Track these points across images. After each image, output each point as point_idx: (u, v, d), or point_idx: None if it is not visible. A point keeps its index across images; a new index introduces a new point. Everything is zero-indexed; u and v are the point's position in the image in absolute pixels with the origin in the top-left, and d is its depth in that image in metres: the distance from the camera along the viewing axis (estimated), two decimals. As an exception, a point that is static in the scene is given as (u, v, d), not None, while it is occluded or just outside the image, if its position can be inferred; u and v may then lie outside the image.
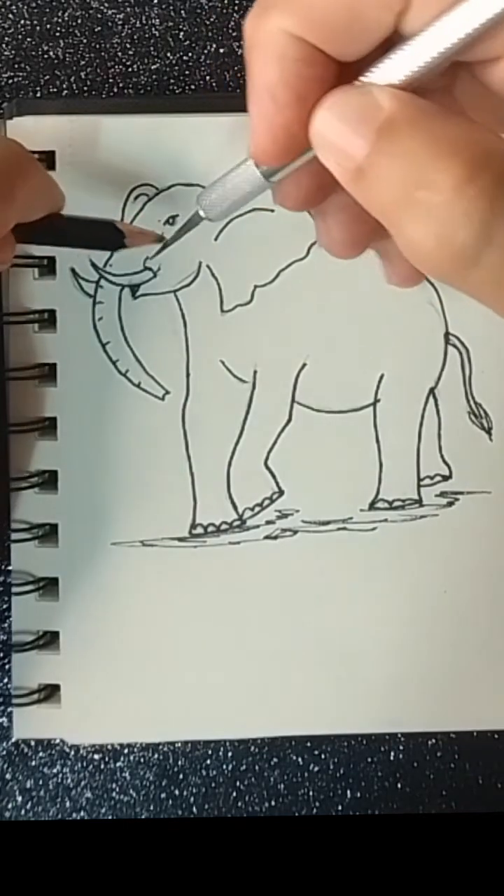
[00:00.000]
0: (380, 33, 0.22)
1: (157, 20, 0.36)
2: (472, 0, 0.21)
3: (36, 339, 0.34)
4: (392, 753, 0.38)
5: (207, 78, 0.36)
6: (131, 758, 0.37)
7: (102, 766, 0.37)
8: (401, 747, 0.38)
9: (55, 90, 0.35)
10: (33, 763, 0.37)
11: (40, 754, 0.37)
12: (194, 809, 0.38)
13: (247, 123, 0.34)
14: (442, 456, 0.36)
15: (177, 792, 0.38)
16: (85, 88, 0.36)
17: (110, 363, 0.34)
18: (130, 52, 0.36)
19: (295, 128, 0.23)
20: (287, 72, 0.23)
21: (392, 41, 0.22)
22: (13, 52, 0.35)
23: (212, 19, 0.36)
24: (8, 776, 0.37)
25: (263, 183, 0.25)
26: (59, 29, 0.35)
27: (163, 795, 0.38)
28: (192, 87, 0.36)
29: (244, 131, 0.34)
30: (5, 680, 0.36)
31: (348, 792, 0.38)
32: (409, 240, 0.22)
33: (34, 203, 0.29)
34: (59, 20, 0.35)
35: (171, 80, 0.36)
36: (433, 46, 0.22)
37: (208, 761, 0.38)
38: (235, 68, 0.36)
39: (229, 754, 0.38)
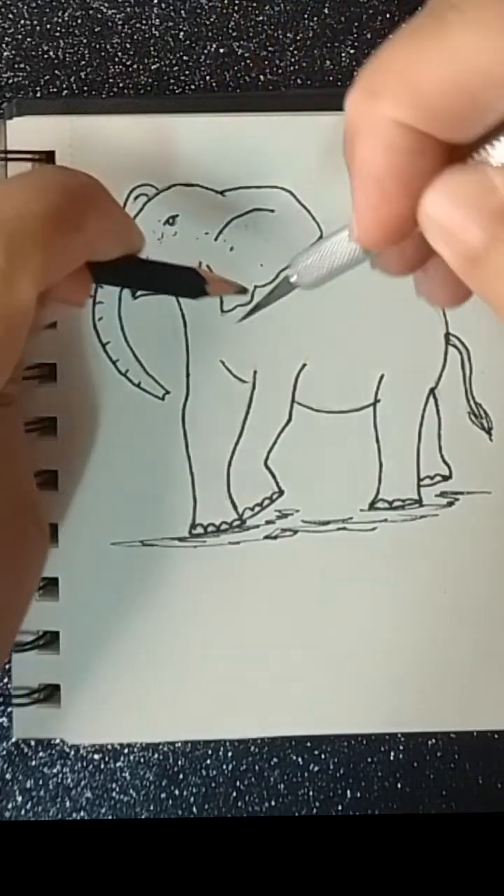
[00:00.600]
0: (498, 115, 0.21)
1: (157, 20, 0.36)
2: None
3: (36, 338, 0.34)
4: (392, 753, 0.38)
5: (207, 78, 0.36)
6: (131, 758, 0.37)
7: (102, 766, 0.37)
8: (401, 747, 0.38)
9: (55, 90, 0.35)
10: (33, 763, 0.37)
11: (40, 754, 0.37)
12: (194, 809, 0.38)
13: (247, 124, 0.34)
14: (442, 456, 0.36)
15: (177, 792, 0.38)
16: (85, 88, 0.36)
17: (110, 363, 0.34)
18: (130, 52, 0.36)
19: (403, 215, 0.22)
20: (396, 162, 0.22)
21: None
22: (13, 52, 0.35)
23: (212, 19, 0.36)
24: (8, 776, 0.37)
25: (363, 255, 0.24)
26: (59, 29, 0.35)
27: (163, 795, 0.38)
28: (192, 87, 0.36)
29: (244, 131, 0.34)
30: (5, 680, 0.36)
31: (348, 792, 0.38)
32: None
33: (107, 240, 0.28)
34: (59, 20, 0.35)
35: (171, 80, 0.36)
36: None
37: (208, 761, 0.38)
38: (235, 68, 0.36)
39: (229, 754, 0.38)
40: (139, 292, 0.34)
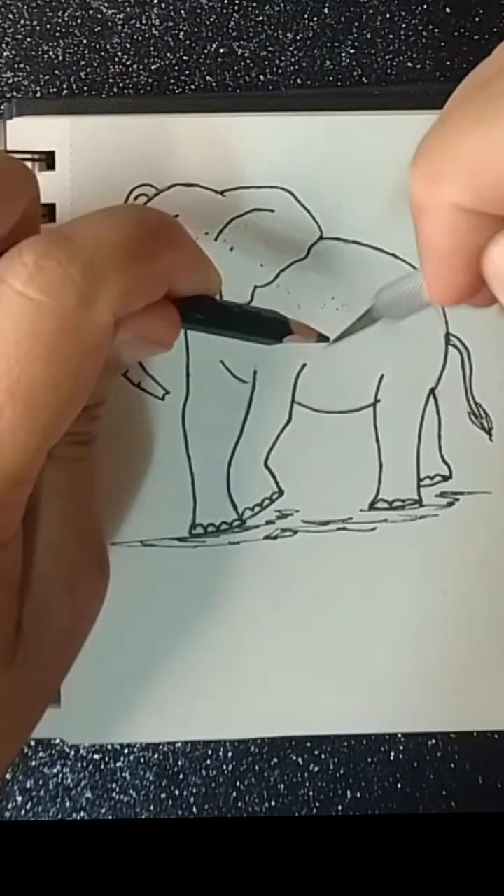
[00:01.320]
0: None
1: (157, 20, 0.36)
2: None
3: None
4: (392, 753, 0.38)
5: (207, 78, 0.36)
6: (131, 758, 0.38)
7: (102, 766, 0.37)
8: (401, 747, 0.38)
9: (55, 90, 0.35)
10: (33, 763, 0.37)
11: (40, 754, 0.37)
12: (194, 809, 0.38)
13: (247, 124, 0.34)
14: (442, 456, 0.36)
15: (177, 792, 0.38)
16: (85, 88, 0.36)
17: (110, 363, 0.34)
18: (130, 52, 0.36)
19: (472, 281, 0.24)
20: (460, 241, 0.23)
21: None
22: (13, 52, 0.35)
23: (212, 19, 0.36)
24: (8, 776, 0.37)
25: None
26: (59, 29, 0.35)
27: (163, 795, 0.38)
28: (192, 87, 0.36)
29: (244, 131, 0.34)
30: (5, 680, 0.36)
31: (348, 792, 0.38)
32: None
33: (185, 274, 0.28)
34: (59, 20, 0.35)
35: (171, 80, 0.36)
36: None
37: (208, 761, 0.38)
38: (235, 68, 0.36)
39: (229, 754, 0.38)
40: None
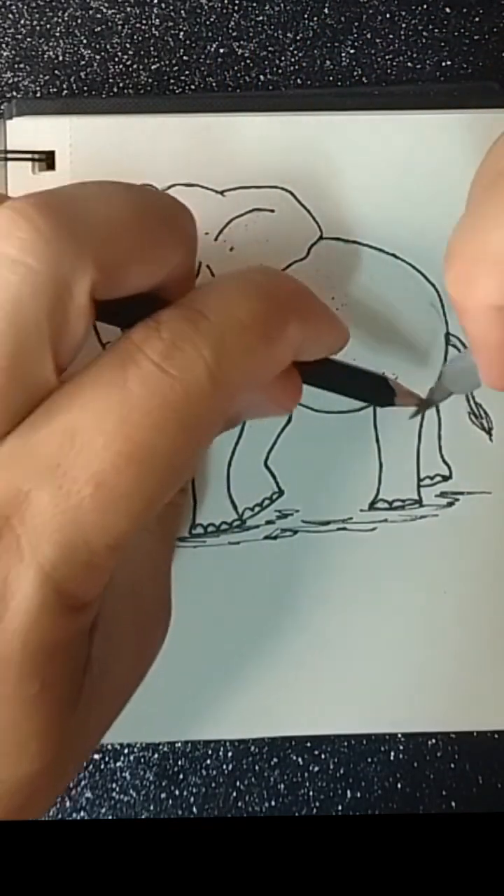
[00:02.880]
0: None
1: (157, 20, 0.36)
2: None
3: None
4: (392, 753, 0.38)
5: (207, 78, 0.36)
6: (131, 758, 0.38)
7: (102, 766, 0.37)
8: (401, 747, 0.38)
9: (55, 90, 0.35)
10: (33, 763, 0.37)
11: (40, 754, 0.37)
12: (194, 809, 0.38)
13: (247, 124, 0.34)
14: (442, 456, 0.36)
15: (177, 792, 0.38)
16: (85, 88, 0.36)
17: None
18: (130, 52, 0.36)
19: None
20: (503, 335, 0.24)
21: None
22: (13, 52, 0.35)
23: (212, 19, 0.36)
24: (8, 776, 0.37)
25: None
26: (59, 29, 0.35)
27: (163, 795, 0.38)
28: (192, 87, 0.36)
29: (244, 131, 0.34)
30: (5, 680, 0.36)
31: (348, 792, 0.38)
32: None
33: (311, 345, 0.28)
34: (59, 20, 0.35)
35: (171, 80, 0.36)
36: None
37: (208, 761, 0.38)
38: (235, 68, 0.36)
39: (229, 754, 0.38)
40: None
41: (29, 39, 0.35)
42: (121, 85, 0.36)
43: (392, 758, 0.38)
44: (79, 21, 0.35)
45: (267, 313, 0.26)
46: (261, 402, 0.29)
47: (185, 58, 0.36)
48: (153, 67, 0.36)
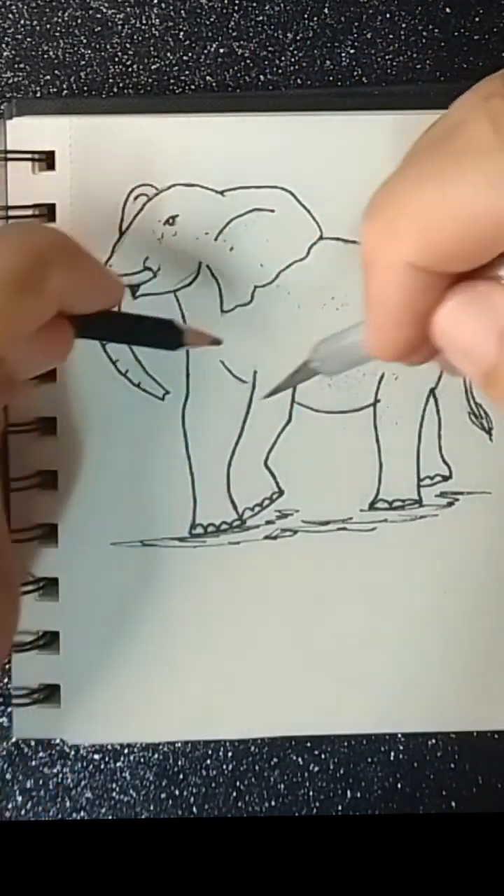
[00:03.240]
0: None
1: (157, 20, 0.36)
2: None
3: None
4: (392, 753, 0.38)
5: (207, 78, 0.36)
6: (131, 758, 0.38)
7: (102, 766, 0.37)
8: (401, 747, 0.38)
9: (55, 90, 0.35)
10: (33, 763, 0.37)
11: (40, 754, 0.37)
12: (194, 809, 0.38)
13: (247, 124, 0.34)
14: (442, 456, 0.36)
15: (177, 792, 0.38)
16: (85, 88, 0.36)
17: (110, 363, 0.34)
18: (130, 52, 0.36)
19: (414, 338, 0.24)
20: (410, 298, 0.23)
21: None
22: (13, 52, 0.35)
23: (212, 19, 0.36)
24: (8, 776, 0.37)
25: None
26: (59, 29, 0.35)
27: (163, 795, 0.38)
28: (192, 87, 0.36)
29: (244, 131, 0.34)
30: (5, 680, 0.36)
31: (348, 792, 0.38)
32: None
33: (80, 294, 0.28)
34: (59, 20, 0.35)
35: (171, 80, 0.36)
36: None
37: (208, 761, 0.38)
38: (235, 68, 0.36)
39: (229, 754, 0.38)
40: (139, 292, 0.34)
41: (29, 39, 0.35)
42: (121, 85, 0.36)
43: (392, 758, 0.38)
44: (79, 21, 0.35)
45: (21, 264, 0.26)
46: (32, 356, 0.28)
47: (185, 58, 0.36)
48: (153, 67, 0.36)
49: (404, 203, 0.22)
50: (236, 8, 0.36)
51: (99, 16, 0.35)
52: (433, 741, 0.38)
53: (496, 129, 0.21)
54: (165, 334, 0.31)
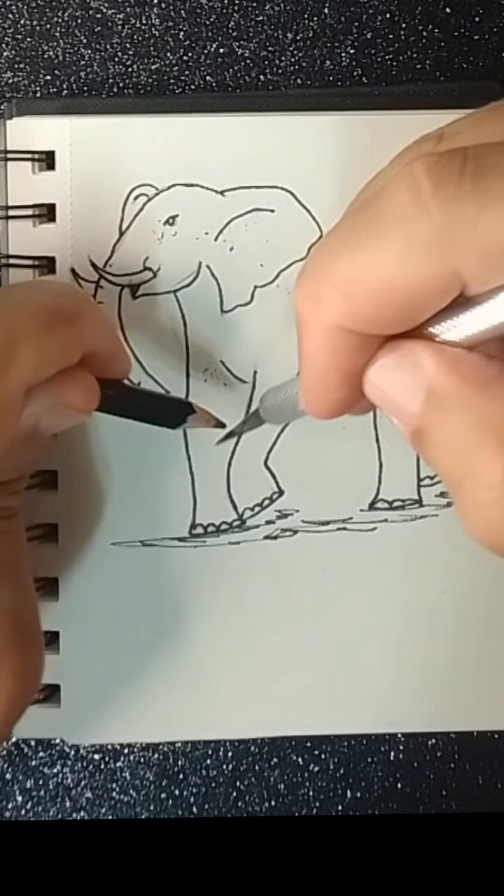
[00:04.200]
0: (434, 311, 0.22)
1: (157, 20, 0.36)
2: None
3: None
4: (392, 753, 0.38)
5: (207, 78, 0.36)
6: (131, 758, 0.38)
7: (102, 766, 0.37)
8: (401, 747, 0.38)
9: (55, 90, 0.35)
10: (33, 763, 0.37)
11: (40, 754, 0.37)
12: (194, 809, 0.38)
13: (247, 124, 0.34)
14: (442, 456, 0.36)
15: (177, 792, 0.38)
16: (85, 88, 0.36)
17: (110, 363, 0.34)
18: (130, 52, 0.36)
19: (346, 398, 0.24)
20: (338, 359, 0.23)
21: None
22: (13, 52, 0.35)
23: (212, 19, 0.36)
24: (8, 776, 0.37)
25: None
26: (59, 29, 0.35)
27: (163, 795, 0.38)
28: (192, 87, 0.36)
29: (244, 131, 0.34)
30: (5, 680, 0.36)
31: (348, 792, 0.38)
32: (464, 518, 0.22)
33: (100, 341, 0.29)
34: (59, 20, 0.35)
35: (171, 80, 0.36)
36: (485, 318, 0.22)
37: (208, 761, 0.38)
38: (235, 68, 0.36)
39: (229, 754, 0.38)
40: (139, 292, 0.34)
41: (29, 39, 0.35)
42: (121, 85, 0.36)
43: (392, 758, 0.38)
44: (79, 21, 0.35)
45: (55, 304, 0.28)
46: (55, 403, 0.29)
47: (185, 58, 0.36)
48: (153, 67, 0.36)
49: (326, 269, 0.22)
50: (236, 8, 0.36)
51: (99, 16, 0.35)
52: (433, 741, 0.38)
53: (413, 195, 0.21)
54: (174, 412, 0.32)
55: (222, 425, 0.33)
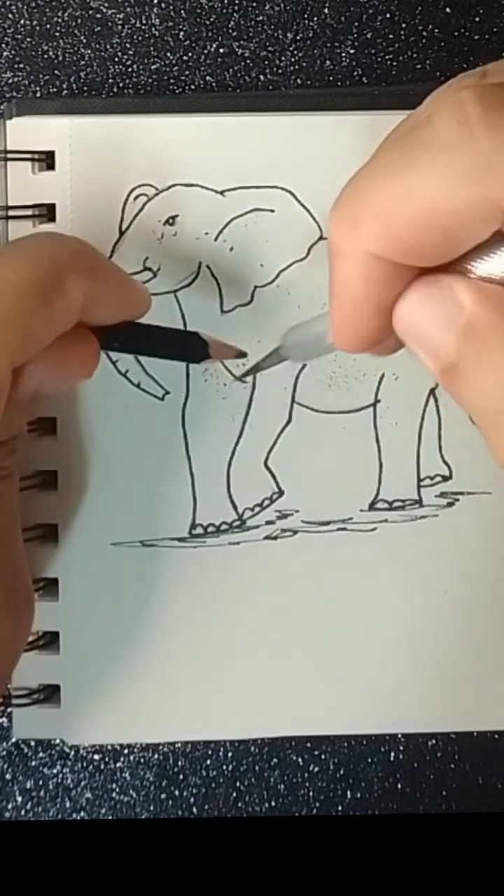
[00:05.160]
0: (473, 245, 0.22)
1: (157, 20, 0.36)
2: None
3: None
4: (392, 753, 0.38)
5: (207, 78, 0.36)
6: (131, 758, 0.38)
7: (102, 766, 0.37)
8: (401, 747, 0.38)
9: (55, 90, 0.35)
10: (33, 763, 0.37)
11: (40, 754, 0.37)
12: (194, 809, 0.38)
13: (247, 124, 0.34)
14: (442, 456, 0.36)
15: (177, 792, 0.38)
16: (85, 88, 0.36)
17: (110, 363, 0.34)
18: (130, 52, 0.36)
19: (377, 330, 0.23)
20: (372, 289, 0.23)
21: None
22: (13, 52, 0.35)
23: (212, 19, 0.36)
24: (8, 776, 0.37)
25: None
26: (59, 29, 0.35)
27: (163, 795, 0.38)
28: (192, 87, 0.36)
29: (244, 131, 0.34)
30: (5, 680, 0.36)
31: (348, 792, 0.38)
32: (495, 452, 0.22)
33: (103, 305, 0.28)
34: (59, 20, 0.35)
35: (171, 80, 0.36)
36: None
37: (208, 761, 0.38)
38: (235, 68, 0.36)
39: (229, 754, 0.38)
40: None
41: (29, 39, 0.35)
42: (121, 85, 0.36)
43: (392, 758, 0.38)
44: (79, 21, 0.35)
45: (41, 272, 0.26)
46: (55, 371, 0.28)
47: (185, 58, 0.36)
48: (153, 67, 0.36)
49: (366, 194, 0.22)
50: (236, 8, 0.36)
51: (99, 16, 0.35)
52: (433, 741, 0.38)
53: (461, 122, 0.21)
54: (190, 346, 0.31)
55: (244, 355, 0.32)
